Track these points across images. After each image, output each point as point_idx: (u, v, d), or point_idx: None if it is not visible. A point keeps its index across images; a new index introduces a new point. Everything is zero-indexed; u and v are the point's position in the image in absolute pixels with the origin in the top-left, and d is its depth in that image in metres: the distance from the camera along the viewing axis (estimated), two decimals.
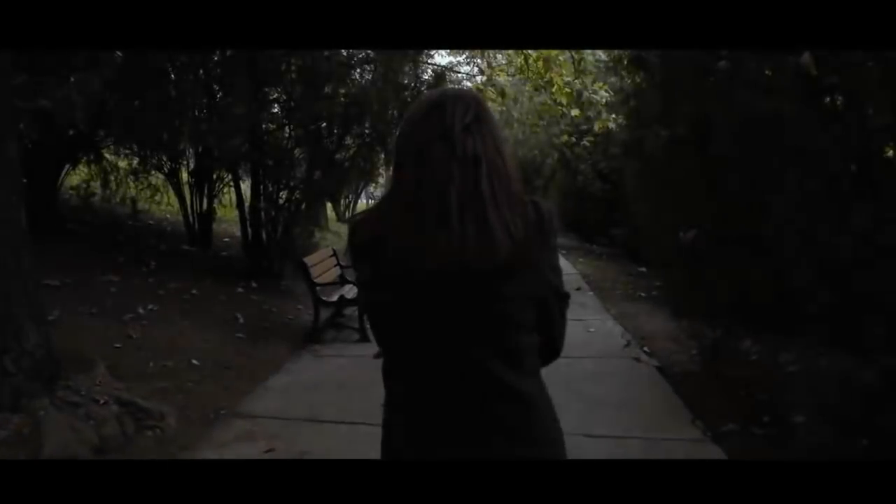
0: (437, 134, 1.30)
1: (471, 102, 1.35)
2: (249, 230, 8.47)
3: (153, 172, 9.48)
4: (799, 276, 3.40)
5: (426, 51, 9.22)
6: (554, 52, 9.28)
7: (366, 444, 3.18)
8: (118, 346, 5.02)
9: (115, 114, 7.29)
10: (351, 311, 7.18)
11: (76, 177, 9.48)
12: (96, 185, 9.54)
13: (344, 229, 11.38)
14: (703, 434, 3.95)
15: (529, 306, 1.32)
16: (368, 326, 1.63)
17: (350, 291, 6.86)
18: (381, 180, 11.54)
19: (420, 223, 1.25)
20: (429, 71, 10.04)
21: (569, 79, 9.84)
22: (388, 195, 1.38)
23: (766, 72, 3.75)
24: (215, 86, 7.93)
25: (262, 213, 8.40)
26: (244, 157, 7.97)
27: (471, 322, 1.28)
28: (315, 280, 6.73)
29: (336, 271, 7.65)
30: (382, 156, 8.60)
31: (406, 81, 8.58)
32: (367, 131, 8.26)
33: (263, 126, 8.06)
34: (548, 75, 9.78)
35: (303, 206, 8.53)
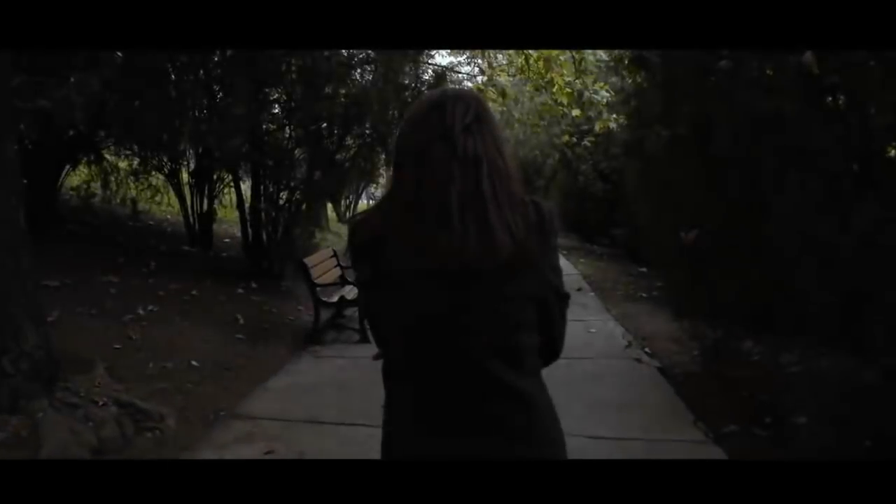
0: (437, 134, 1.30)
1: (471, 102, 1.35)
2: (250, 231, 8.45)
3: (153, 173, 9.49)
4: (800, 276, 3.38)
5: (427, 51, 9.21)
6: (555, 52, 9.25)
7: (366, 445, 3.19)
8: (118, 346, 5.00)
9: (116, 114, 7.28)
10: (351, 311, 7.16)
11: (76, 177, 9.48)
12: (96, 186, 9.55)
13: (344, 230, 11.36)
14: (704, 435, 3.93)
15: (530, 306, 1.32)
16: (368, 328, 1.62)
17: (350, 292, 6.85)
18: (382, 181, 11.52)
19: (421, 223, 1.26)
20: (429, 71, 10.03)
21: (570, 79, 9.81)
22: (388, 195, 1.38)
23: (768, 71, 3.73)
24: (215, 86, 7.91)
25: (263, 214, 8.38)
26: (244, 157, 7.95)
27: (471, 322, 1.27)
28: (315, 281, 6.72)
29: (336, 272, 7.63)
30: (383, 156, 8.58)
31: (406, 82, 8.57)
32: (367, 131, 8.25)
33: (264, 126, 8.05)
34: (548, 75, 9.75)
35: (303, 206, 8.52)
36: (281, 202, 8.42)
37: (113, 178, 9.46)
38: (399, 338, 1.36)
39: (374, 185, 16.48)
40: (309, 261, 6.86)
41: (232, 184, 8.98)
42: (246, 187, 8.95)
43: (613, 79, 10.01)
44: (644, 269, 9.78)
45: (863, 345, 3.28)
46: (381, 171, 9.68)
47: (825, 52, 3.05)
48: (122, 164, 9.53)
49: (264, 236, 8.44)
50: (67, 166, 8.51)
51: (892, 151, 3.44)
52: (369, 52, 7.91)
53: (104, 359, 4.53)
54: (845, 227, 3.15)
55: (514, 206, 1.28)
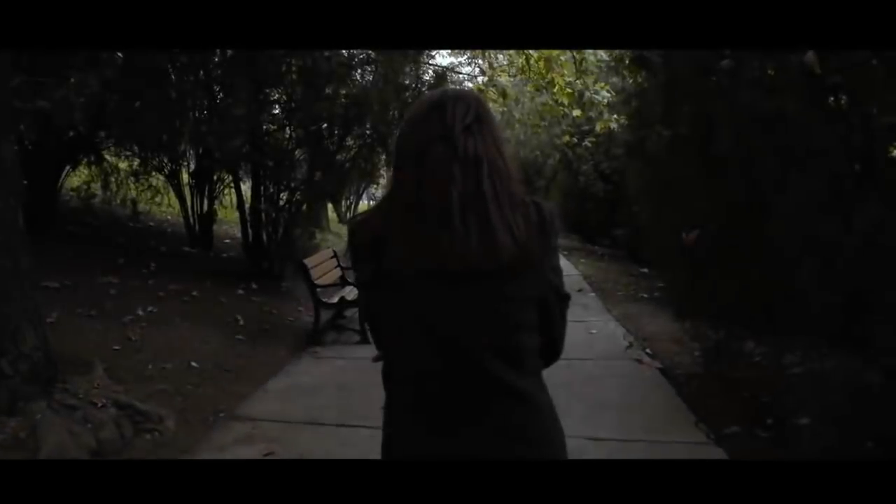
0: (437, 134, 1.30)
1: (471, 103, 1.35)
2: (250, 231, 8.44)
3: (154, 174, 9.49)
4: (801, 276, 3.36)
5: (427, 51, 9.21)
6: (555, 53, 9.24)
7: (366, 446, 3.17)
8: (117, 348, 4.99)
9: (116, 115, 7.28)
10: (351, 312, 7.15)
11: (77, 178, 9.48)
12: (97, 187, 9.55)
13: (345, 230, 11.35)
14: (706, 437, 3.91)
15: (531, 307, 1.32)
16: (368, 329, 1.61)
17: (351, 293, 6.84)
18: (383, 181, 11.51)
19: (422, 223, 1.26)
20: (430, 71, 10.03)
21: (570, 79, 9.80)
22: (388, 196, 1.38)
23: (769, 71, 3.72)
24: (216, 87, 7.90)
25: (263, 215, 8.37)
26: (245, 158, 7.94)
27: (472, 322, 1.27)
28: (315, 281, 6.70)
29: (337, 273, 7.62)
30: (383, 157, 8.57)
31: (407, 82, 8.56)
32: (367, 132, 8.23)
33: (264, 127, 8.04)
34: (549, 76, 9.74)
35: (303, 207, 8.52)
36: (281, 203, 8.41)
37: (113, 179, 9.47)
38: (399, 338, 1.36)
39: (375, 186, 16.47)
40: (309, 261, 6.84)
41: (232, 184, 8.97)
42: (246, 188, 8.94)
43: (614, 79, 10.01)
44: (645, 270, 9.77)
45: (865, 345, 3.26)
46: (382, 171, 9.67)
47: (827, 52, 3.03)
48: (123, 165, 9.53)
49: (264, 237, 8.43)
50: (67, 167, 8.50)
51: (895, 151, 3.42)
52: (370, 52, 7.91)
53: (103, 360, 4.52)
54: (847, 227, 3.14)
55: (514, 206, 1.28)
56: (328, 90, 7.63)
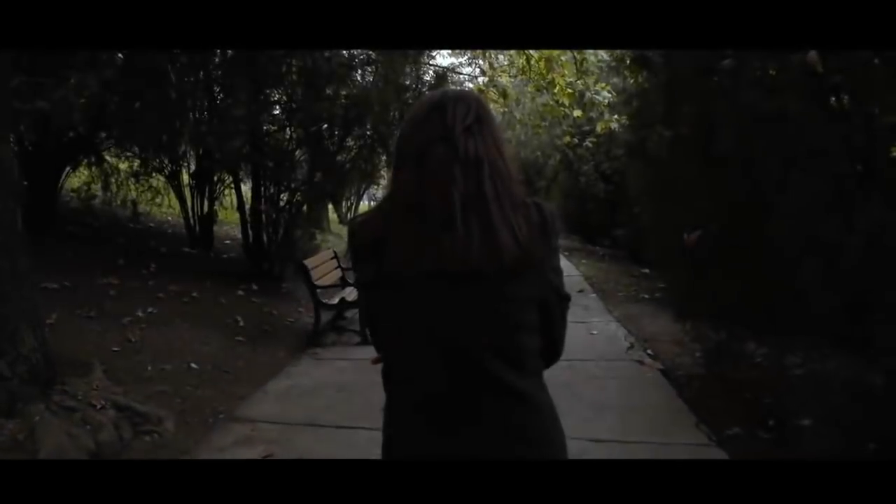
0: (438, 135, 1.29)
1: (472, 103, 1.35)
2: (250, 232, 8.43)
3: (154, 174, 9.48)
4: (803, 277, 3.35)
5: (427, 51, 9.20)
6: (556, 53, 9.23)
7: (366, 448, 3.16)
8: (116, 349, 4.98)
9: (116, 116, 7.27)
10: (352, 313, 7.14)
11: (77, 179, 9.48)
12: (97, 188, 9.55)
13: (345, 231, 11.35)
14: (707, 438, 3.89)
15: (531, 308, 1.32)
16: (368, 330, 1.61)
17: (351, 294, 6.82)
18: (383, 182, 11.51)
19: (423, 225, 1.25)
20: (430, 72, 10.02)
21: (571, 79, 9.78)
22: (388, 196, 1.38)
23: (771, 71, 3.70)
24: (216, 87, 7.90)
25: (263, 215, 8.36)
26: (245, 158, 7.94)
27: (472, 323, 1.27)
28: (316, 282, 6.69)
29: (337, 274, 7.61)
30: (384, 157, 8.56)
31: (407, 83, 8.56)
32: (368, 133, 8.23)
33: (264, 128, 8.04)
34: (550, 76, 9.71)
35: (304, 207, 8.51)
36: (281, 203, 8.41)
37: (113, 180, 9.47)
38: (399, 338, 1.35)
39: (376, 187, 16.47)
40: (309, 262, 6.82)
41: (232, 185, 8.96)
42: (246, 189, 8.93)
43: (615, 79, 10.01)
44: (646, 271, 9.76)
45: (867, 346, 3.25)
46: (382, 172, 9.66)
47: (829, 52, 3.02)
48: (123, 166, 9.53)
49: (265, 238, 8.42)
50: (68, 168, 8.50)
51: None
52: (370, 53, 7.90)
53: (102, 361, 4.50)
54: (849, 227, 3.12)
55: (516, 207, 1.28)
56: (328, 91, 7.62)
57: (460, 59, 14.29)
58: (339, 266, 7.81)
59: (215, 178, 9.34)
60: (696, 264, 4.42)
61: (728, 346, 4.69)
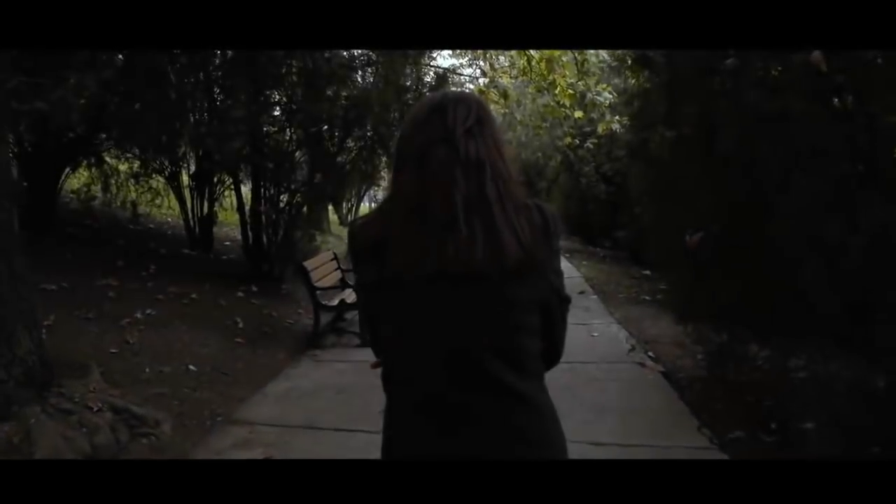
0: (438, 136, 1.29)
1: (472, 105, 1.35)
2: (250, 233, 8.41)
3: (154, 176, 9.47)
4: (806, 278, 3.32)
5: (428, 52, 9.18)
6: (557, 53, 9.20)
7: (364, 451, 3.12)
8: (114, 351, 4.95)
9: (115, 116, 7.26)
10: (351, 315, 7.11)
11: (76, 180, 9.46)
12: (97, 189, 9.54)
13: (345, 232, 11.34)
14: (709, 441, 3.86)
15: (533, 310, 1.32)
16: (367, 333, 1.59)
17: (351, 295, 6.79)
18: (384, 183, 11.49)
19: (425, 226, 1.25)
20: (431, 73, 10.00)
21: (572, 80, 9.76)
22: (388, 198, 1.38)
23: (773, 72, 3.68)
24: (215, 88, 7.88)
25: (263, 217, 8.34)
26: (245, 159, 7.92)
27: (475, 325, 1.27)
28: (315, 284, 6.67)
29: (337, 275, 7.59)
30: (384, 158, 8.53)
31: (408, 83, 8.54)
32: (368, 134, 8.21)
33: (264, 129, 8.01)
34: (551, 77, 9.68)
35: (304, 209, 8.48)
36: (281, 205, 8.38)
37: (113, 181, 9.47)
38: (399, 339, 1.35)
39: (376, 188, 16.46)
40: (309, 264, 6.80)
41: (232, 186, 8.94)
42: (246, 190, 8.91)
43: (616, 80, 9.99)
44: (647, 272, 9.72)
45: (871, 348, 3.22)
46: (383, 173, 9.64)
47: (832, 52, 2.99)
48: (123, 167, 9.53)
49: (265, 239, 8.39)
50: (67, 169, 8.49)
51: None
52: (370, 53, 7.89)
53: (100, 363, 4.47)
54: (852, 227, 3.10)
55: (518, 209, 1.28)
56: (329, 92, 7.60)
57: (461, 61, 14.26)
58: (339, 268, 7.79)
59: (215, 180, 9.33)
60: (697, 266, 4.39)
61: (730, 348, 4.66)
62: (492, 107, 1.57)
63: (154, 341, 5.38)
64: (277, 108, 8.57)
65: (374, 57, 7.99)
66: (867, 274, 3.08)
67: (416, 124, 1.35)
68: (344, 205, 18.61)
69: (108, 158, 9.19)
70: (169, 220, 10.99)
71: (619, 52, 6.74)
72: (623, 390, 4.91)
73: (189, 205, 9.44)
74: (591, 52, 9.84)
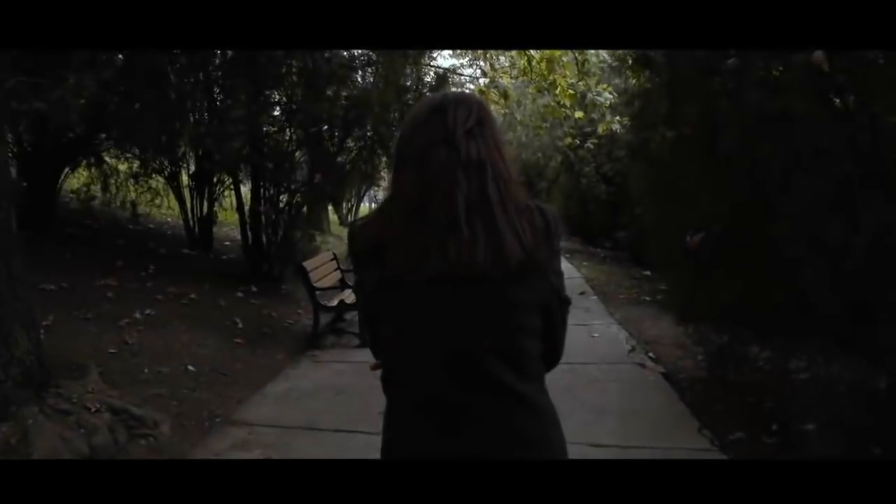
0: (439, 137, 1.29)
1: (473, 106, 1.35)
2: (250, 234, 8.39)
3: (153, 176, 9.46)
4: (806, 277, 3.31)
5: (428, 52, 9.17)
6: (557, 54, 9.19)
7: (364, 452, 3.11)
8: (113, 351, 4.93)
9: (115, 116, 7.24)
10: (351, 315, 7.10)
11: (76, 180, 9.45)
12: (96, 189, 9.52)
13: (345, 233, 11.33)
14: (710, 443, 3.85)
15: (535, 312, 1.32)
16: (366, 335, 1.59)
17: (350, 296, 6.78)
18: (384, 183, 11.48)
19: (426, 228, 1.24)
20: (431, 73, 9.99)
21: (572, 80, 9.75)
22: (388, 199, 1.37)
23: (774, 72, 3.66)
24: (215, 88, 7.86)
25: (263, 217, 8.32)
26: (244, 159, 7.90)
27: (476, 326, 1.27)
28: (315, 284, 6.65)
29: (336, 275, 7.58)
30: (384, 159, 8.52)
31: (408, 84, 8.52)
32: (368, 134, 8.19)
33: (264, 129, 8.00)
34: (551, 77, 9.67)
35: (304, 209, 8.47)
36: (281, 205, 8.37)
37: (113, 181, 9.45)
38: (400, 340, 1.34)
39: (376, 188, 16.45)
40: (308, 264, 6.79)
41: (232, 186, 8.92)
42: (246, 190, 8.90)
43: (616, 80, 9.98)
44: (648, 273, 9.71)
45: (872, 349, 3.21)
46: (383, 173, 9.63)
47: (833, 51, 2.98)
48: (122, 167, 9.51)
49: (264, 239, 8.38)
50: (67, 169, 8.47)
51: None
52: (370, 53, 7.87)
53: (98, 364, 4.46)
54: (854, 228, 3.08)
55: (519, 211, 1.28)
56: (329, 92, 7.59)
57: (461, 61, 14.25)
58: (339, 268, 7.78)
59: (215, 180, 9.32)
60: (698, 266, 4.37)
61: (731, 349, 4.64)
62: (492, 107, 1.56)
63: (153, 342, 5.36)
64: (277, 108, 8.55)
65: (374, 57, 7.98)
66: (869, 274, 3.06)
67: (417, 125, 1.35)
68: (344, 205, 18.60)
69: (107, 158, 9.17)
70: (168, 220, 10.98)
71: (620, 52, 6.72)
72: (623, 391, 4.90)
73: (189, 205, 9.43)
74: (592, 52, 9.82)
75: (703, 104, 4.08)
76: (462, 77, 13.44)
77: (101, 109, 6.89)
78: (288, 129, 8.30)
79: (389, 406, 1.40)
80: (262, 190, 8.27)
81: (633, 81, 6.30)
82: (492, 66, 11.82)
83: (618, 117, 10.05)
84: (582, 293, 9.10)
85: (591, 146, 13.35)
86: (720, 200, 4.06)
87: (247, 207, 8.45)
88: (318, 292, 6.66)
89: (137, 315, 5.74)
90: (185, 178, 9.53)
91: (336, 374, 5.54)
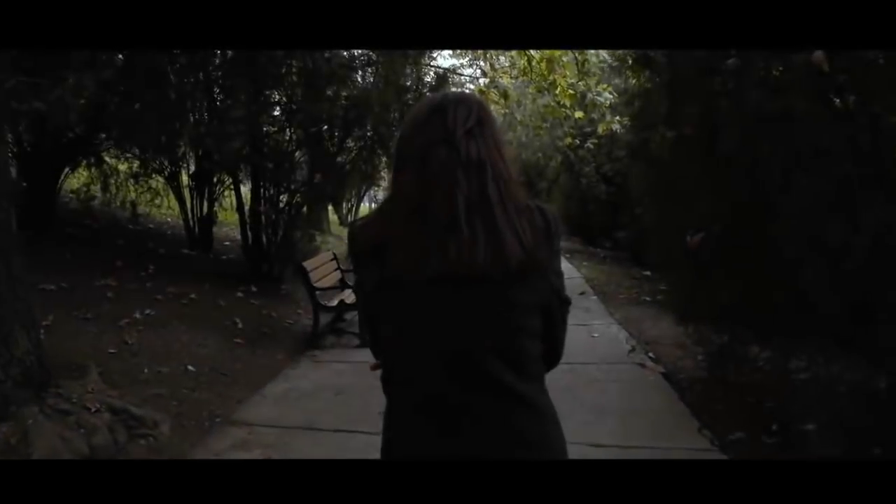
0: (439, 138, 1.29)
1: (473, 106, 1.35)
2: (249, 234, 8.38)
3: (153, 176, 9.45)
4: (806, 277, 3.31)
5: (428, 52, 9.16)
6: (557, 54, 9.19)
7: (364, 453, 3.11)
8: (113, 351, 4.93)
9: (115, 116, 7.24)
10: (351, 315, 7.10)
11: (76, 180, 9.44)
12: (96, 189, 9.51)
13: (345, 233, 11.33)
14: (710, 443, 3.85)
15: (535, 312, 1.32)
16: (366, 335, 1.59)
17: (350, 296, 6.77)
18: (384, 183, 11.48)
19: (426, 228, 1.24)
20: (431, 73, 9.99)
21: (572, 80, 9.74)
22: (388, 199, 1.37)
23: (774, 72, 3.66)
24: (215, 88, 7.86)
25: (263, 217, 8.32)
26: (244, 159, 7.90)
27: (477, 327, 1.27)
28: (315, 284, 6.65)
29: (336, 275, 7.58)
30: (384, 158, 8.51)
31: (408, 84, 8.52)
32: (368, 134, 8.19)
33: (264, 129, 7.99)
34: (551, 77, 9.67)
35: (303, 209, 8.46)
36: (281, 205, 8.36)
37: (113, 181, 9.44)
38: (400, 340, 1.34)
39: (376, 188, 16.44)
40: (308, 264, 6.78)
41: (232, 186, 8.91)
42: (246, 190, 8.89)
43: (616, 80, 9.97)
44: (648, 273, 9.70)
45: (872, 349, 3.21)
46: (383, 173, 9.63)
47: (834, 51, 2.98)
48: (122, 167, 9.50)
49: (264, 239, 8.37)
50: (67, 169, 8.47)
51: None
52: (370, 53, 7.87)
53: (98, 364, 4.45)
54: (855, 228, 3.08)
55: (520, 211, 1.28)
56: (328, 92, 7.58)
57: (461, 61, 14.25)
58: (339, 268, 7.77)
59: (215, 180, 9.31)
60: (698, 266, 4.37)
61: (731, 349, 4.63)
62: (492, 107, 1.56)
63: (153, 342, 5.36)
64: (277, 108, 8.54)
65: (374, 57, 7.97)
66: (869, 274, 3.06)
67: (417, 125, 1.35)
68: (344, 205, 18.59)
69: (107, 158, 9.16)
70: (168, 220, 10.97)
71: (620, 52, 6.71)
72: (623, 391, 4.90)
73: (188, 205, 9.43)
74: (592, 52, 9.82)
75: (703, 104, 4.08)
76: (462, 77, 13.45)
77: (101, 109, 6.89)
78: (288, 129, 8.29)
79: (389, 406, 1.39)
80: (262, 190, 8.26)
81: (634, 81, 6.30)
82: (492, 66, 11.82)
83: (618, 117, 10.05)
84: (582, 293, 9.09)
85: (591, 146, 13.34)
86: (720, 200, 4.06)
87: (247, 207, 8.44)
88: (317, 292, 6.65)
89: (137, 315, 5.73)
90: (185, 178, 9.52)
91: (336, 375, 5.54)
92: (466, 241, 1.22)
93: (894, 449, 3.00)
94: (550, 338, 1.38)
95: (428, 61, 10.06)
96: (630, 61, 5.51)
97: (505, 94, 10.56)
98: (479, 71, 13.44)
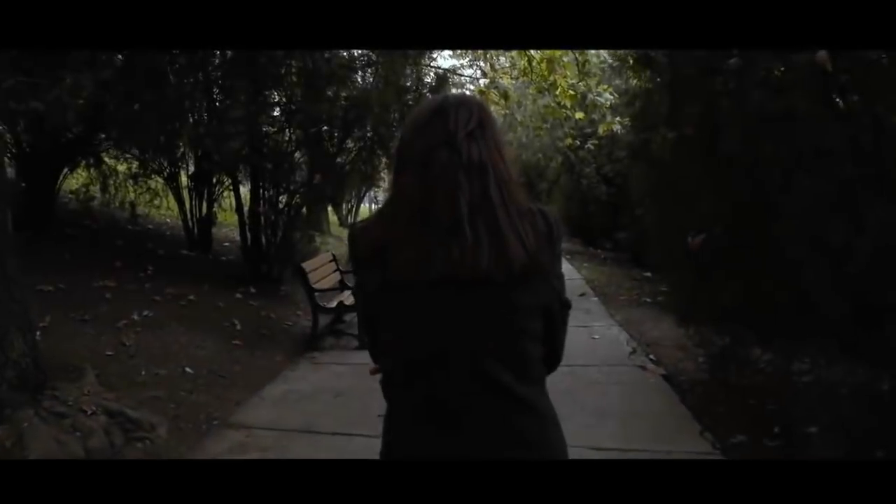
0: (440, 140, 1.28)
1: (473, 108, 1.35)
2: (249, 235, 8.36)
3: (153, 176, 9.44)
4: (811, 280, 3.28)
5: (428, 52, 9.15)
6: (558, 54, 9.17)
7: (363, 455, 3.06)
8: (110, 353, 4.90)
9: (114, 117, 7.22)
10: (350, 317, 7.07)
11: (75, 181, 9.42)
12: (95, 189, 9.49)
13: (345, 234, 11.31)
14: (711, 446, 3.82)
15: (536, 315, 1.32)
16: (366, 337, 1.58)
17: (349, 298, 6.74)
18: (384, 184, 11.47)
19: (428, 231, 1.23)
20: (431, 73, 9.97)
21: (573, 81, 9.73)
22: (389, 202, 1.36)
23: (775, 72, 3.64)
24: (215, 89, 7.84)
25: (262, 218, 8.29)
26: (244, 160, 7.88)
27: (479, 329, 1.27)
28: (314, 286, 6.62)
29: (335, 277, 7.55)
30: (384, 159, 8.49)
31: (408, 84, 8.50)
32: (368, 134, 8.17)
33: (263, 129, 7.97)
34: (552, 78, 9.66)
35: (303, 210, 8.44)
36: (280, 206, 8.35)
37: (112, 182, 9.43)
38: (401, 342, 1.33)
39: (376, 189, 16.44)
40: (307, 265, 6.76)
41: (231, 187, 8.89)
42: (245, 191, 8.87)
43: (617, 81, 9.95)
44: (648, 274, 9.68)
45: (877, 351, 3.18)
46: (382, 174, 9.61)
47: (836, 51, 2.96)
48: (121, 168, 9.49)
49: (263, 240, 8.35)
50: (66, 169, 8.45)
51: None
52: (370, 54, 7.85)
53: (95, 366, 4.42)
54: (857, 229, 3.06)
55: (522, 214, 1.28)
56: (328, 92, 7.56)
57: (461, 61, 14.23)
58: (338, 269, 7.75)
59: (214, 180, 9.30)
60: (699, 268, 4.34)
61: (732, 351, 4.61)
62: (492, 108, 1.54)
63: (150, 343, 5.33)
64: (277, 109, 8.53)
65: (374, 57, 7.96)
66: (871, 276, 3.04)
67: (417, 128, 1.34)
68: (343, 206, 18.59)
69: (106, 159, 9.15)
70: (168, 220, 10.95)
71: (621, 52, 6.69)
72: (624, 394, 4.87)
73: (188, 205, 9.41)
74: (593, 52, 9.80)
75: (704, 104, 4.06)
76: (462, 78, 13.44)
77: (101, 109, 6.87)
78: (287, 130, 8.27)
79: (389, 409, 1.39)
80: (261, 191, 8.24)
81: (634, 82, 6.28)
82: (492, 66, 11.81)
83: (618, 118, 10.03)
84: (582, 294, 9.07)
85: (592, 147, 13.32)
86: (721, 201, 4.03)
87: (246, 208, 8.42)
88: (317, 294, 6.63)
89: (135, 316, 5.71)
90: (184, 179, 9.50)
91: (335, 377, 5.51)
92: (469, 244, 1.21)
93: None
94: (551, 340, 1.38)
95: (428, 62, 10.05)
96: (631, 61, 5.48)
97: (505, 95, 10.55)
98: (479, 71, 13.44)
